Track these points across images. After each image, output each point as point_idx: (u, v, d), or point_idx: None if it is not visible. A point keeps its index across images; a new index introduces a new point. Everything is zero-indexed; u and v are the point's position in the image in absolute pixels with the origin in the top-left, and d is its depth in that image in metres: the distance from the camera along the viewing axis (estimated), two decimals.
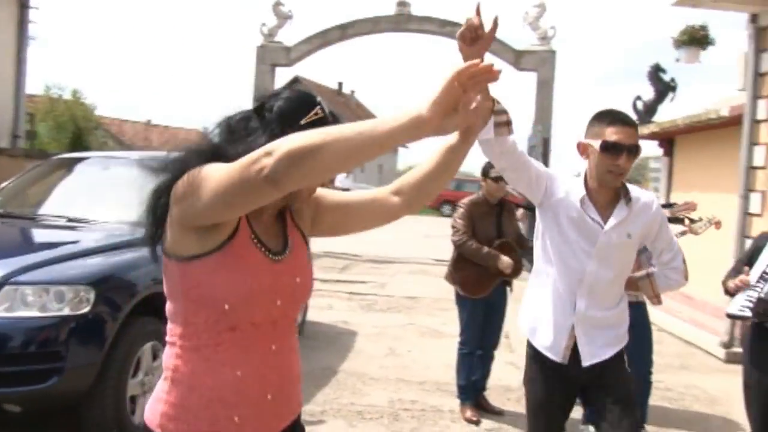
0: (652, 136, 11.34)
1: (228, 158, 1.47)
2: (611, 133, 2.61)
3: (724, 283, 3.71)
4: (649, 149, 14.94)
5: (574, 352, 2.74)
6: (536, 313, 2.84)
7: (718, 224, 4.24)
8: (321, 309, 7.90)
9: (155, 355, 4.12)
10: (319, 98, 1.66)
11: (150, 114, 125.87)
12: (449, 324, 7.99)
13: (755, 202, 6.93)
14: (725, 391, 5.85)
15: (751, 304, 3.43)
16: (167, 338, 1.63)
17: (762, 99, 6.93)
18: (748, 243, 6.82)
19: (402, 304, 9.26)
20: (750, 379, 3.62)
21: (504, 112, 2.45)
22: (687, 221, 4.37)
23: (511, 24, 20.22)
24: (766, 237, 3.71)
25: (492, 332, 4.96)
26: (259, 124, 1.57)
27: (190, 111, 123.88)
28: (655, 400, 4.79)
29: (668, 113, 10.80)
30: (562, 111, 17.53)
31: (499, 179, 4.80)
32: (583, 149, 2.75)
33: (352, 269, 12.28)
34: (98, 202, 4.92)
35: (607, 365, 2.76)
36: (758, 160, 6.93)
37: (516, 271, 4.78)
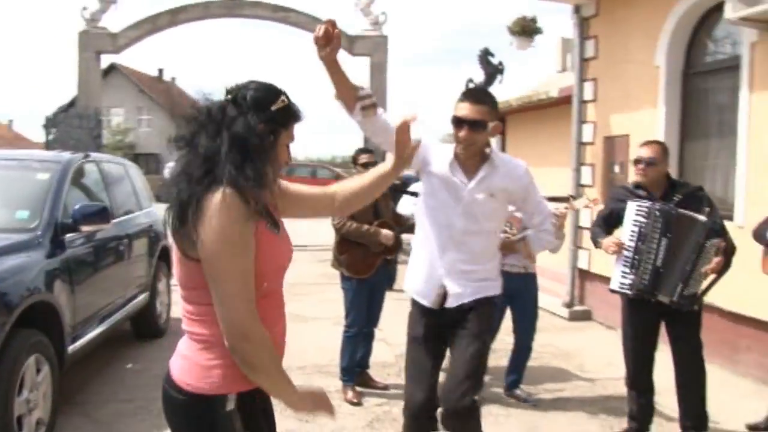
0: None
1: (216, 147, 1.76)
2: (457, 108, 2.97)
3: (594, 238, 4.22)
4: None
5: (445, 299, 3.07)
6: (414, 265, 3.18)
7: (595, 201, 4.73)
8: (176, 304, 7.69)
9: (38, 369, 3.89)
10: (282, 89, 1.91)
11: None
12: (311, 308, 8.15)
13: (586, 175, 7.70)
14: (574, 345, 6.53)
15: (628, 281, 3.94)
16: (199, 317, 1.84)
17: (587, 82, 7.67)
18: (583, 212, 7.59)
19: None
20: (626, 341, 4.20)
21: (368, 96, 2.76)
22: (570, 199, 4.84)
23: (345, 10, 20.46)
24: (621, 198, 4.15)
25: (374, 311, 5.17)
26: (236, 112, 1.80)
27: None
28: None
29: (503, 93, 11.62)
30: (396, 93, 18.15)
31: (367, 165, 5.02)
32: None
33: None
34: None
35: (473, 311, 3.06)
36: (587, 136, 7.69)
37: (396, 246, 5.01)
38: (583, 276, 7.88)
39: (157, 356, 5.91)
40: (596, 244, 4.22)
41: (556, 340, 6.64)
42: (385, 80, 15.00)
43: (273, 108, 1.82)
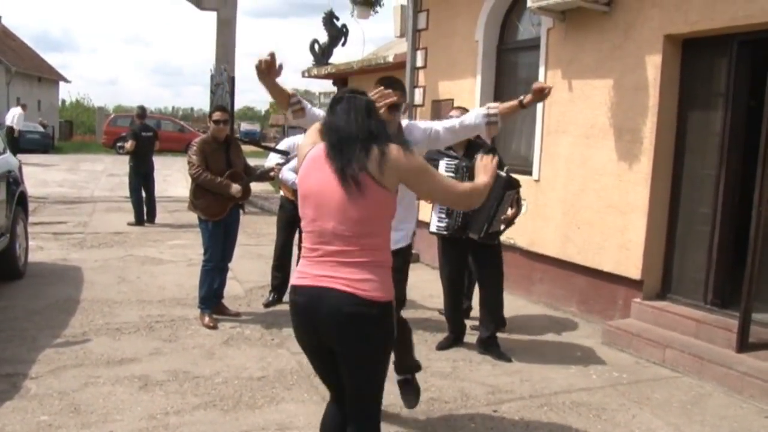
0: (327, 76, 12.91)
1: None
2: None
3: None
4: (326, 86, 16.53)
5: None
6: None
7: None
8: (33, 250, 7.94)
9: None
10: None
11: None
12: (165, 252, 8.66)
13: None
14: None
15: (444, 224, 4.99)
16: (380, 247, 2.49)
17: (420, 50, 8.63)
18: None
19: (112, 240, 9.53)
20: (443, 270, 5.32)
21: (297, 102, 3.58)
22: None
23: None
24: (434, 158, 5.08)
25: (228, 248, 5.87)
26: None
27: None
28: None
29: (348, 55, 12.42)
30: (242, 49, 18.32)
31: (217, 122, 5.66)
32: None
33: (43, 211, 11.93)
34: None
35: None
36: (418, 99, 8.68)
37: (245, 194, 5.71)
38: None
39: (19, 295, 6.27)
40: None
41: None
42: (233, 35, 15.20)
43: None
